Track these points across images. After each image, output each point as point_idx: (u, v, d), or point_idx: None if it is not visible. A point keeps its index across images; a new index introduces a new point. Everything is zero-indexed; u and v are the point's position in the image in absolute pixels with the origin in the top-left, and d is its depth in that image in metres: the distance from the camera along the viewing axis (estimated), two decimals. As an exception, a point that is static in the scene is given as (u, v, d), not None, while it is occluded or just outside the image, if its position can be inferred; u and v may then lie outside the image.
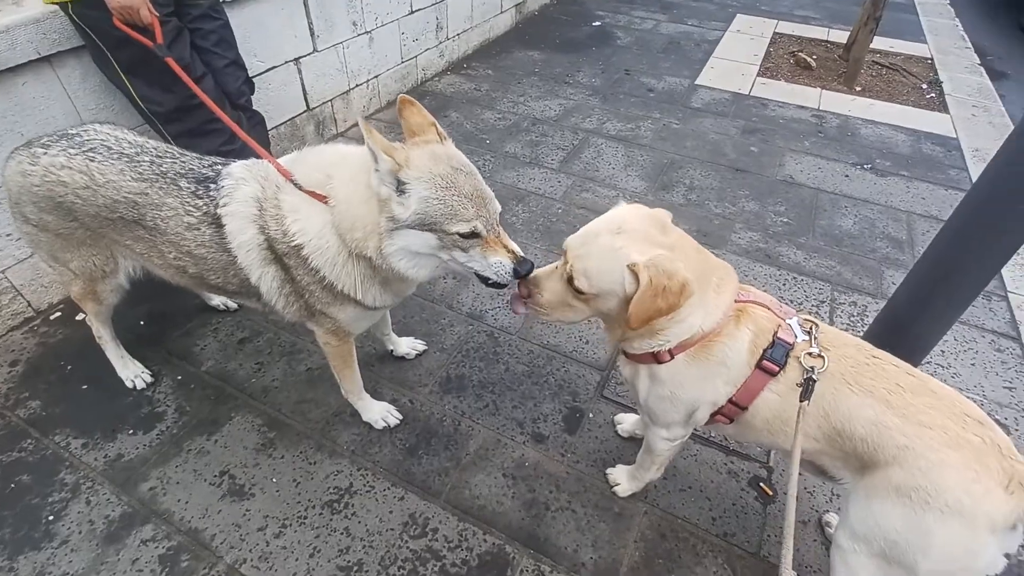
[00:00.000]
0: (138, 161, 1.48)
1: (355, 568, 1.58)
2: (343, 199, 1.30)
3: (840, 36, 5.20)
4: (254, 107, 2.52)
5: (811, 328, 1.25)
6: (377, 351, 2.21)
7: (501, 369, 2.17)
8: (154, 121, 2.21)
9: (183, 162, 1.52)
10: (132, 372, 2.04)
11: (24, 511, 1.68)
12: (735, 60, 4.87)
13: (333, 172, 1.34)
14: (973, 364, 2.25)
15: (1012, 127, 3.91)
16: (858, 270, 2.68)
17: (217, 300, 2.34)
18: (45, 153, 1.48)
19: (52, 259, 1.68)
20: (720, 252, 2.74)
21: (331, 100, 3.51)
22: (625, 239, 1.15)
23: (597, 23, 5.59)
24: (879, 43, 4.80)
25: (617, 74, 4.56)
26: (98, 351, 2.03)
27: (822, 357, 1.18)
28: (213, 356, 2.18)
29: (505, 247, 1.30)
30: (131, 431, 1.91)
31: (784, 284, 2.58)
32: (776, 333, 1.23)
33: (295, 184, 1.38)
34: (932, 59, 4.96)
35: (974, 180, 3.33)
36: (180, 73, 1.92)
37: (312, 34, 3.17)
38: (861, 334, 2.08)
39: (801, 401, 1.15)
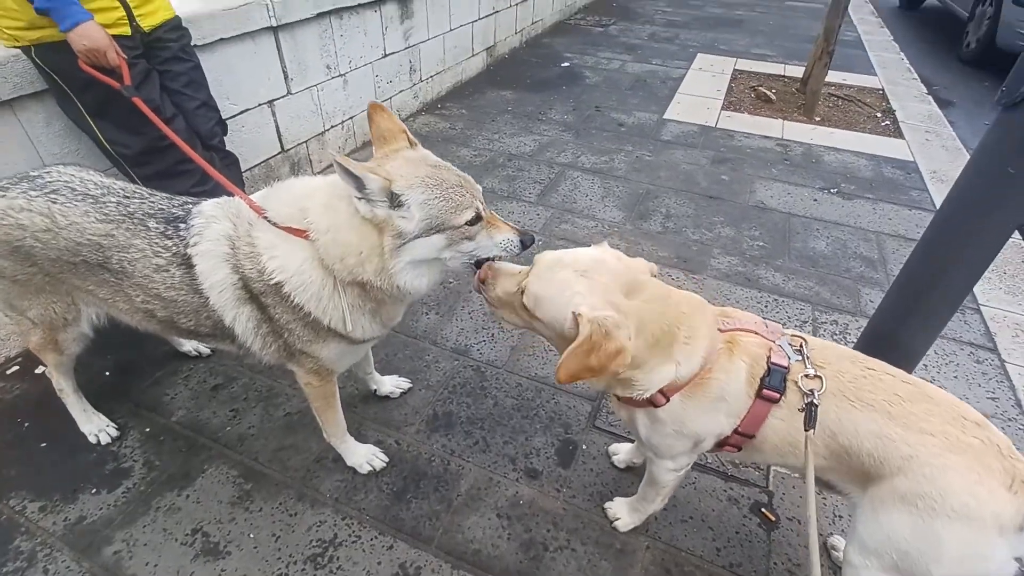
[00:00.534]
0: (104, 202, 1.42)
1: (342, 628, 1.46)
2: (325, 229, 1.26)
3: (796, 71, 5.48)
4: (227, 148, 2.49)
5: (801, 345, 1.24)
6: (360, 392, 2.13)
7: (490, 404, 2.10)
8: (122, 164, 2.16)
9: (152, 202, 1.46)
10: (96, 426, 1.91)
11: (-27, 590, 1.52)
12: (699, 95, 5.07)
13: (306, 205, 1.30)
14: (956, 376, 2.27)
15: (963, 150, 4.16)
16: (836, 290, 2.72)
17: (188, 346, 2.24)
18: (3, 196, 1.41)
19: (8, 308, 1.58)
20: (701, 277, 2.77)
21: (306, 141, 3.50)
22: (585, 286, 1.13)
23: (566, 64, 5.78)
24: (833, 77, 5.06)
25: (588, 111, 4.69)
26: (59, 405, 1.90)
27: (819, 378, 1.17)
28: (184, 405, 2.06)
29: (504, 224, 1.34)
30: (94, 490, 1.77)
31: (766, 306, 2.60)
32: (769, 358, 1.21)
33: (269, 221, 1.33)
34: (883, 90, 5.24)
35: (935, 200, 3.50)
36: (148, 113, 1.89)
37: (286, 77, 3.19)
38: (847, 351, 2.09)
39: (807, 430, 1.14)
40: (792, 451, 1.23)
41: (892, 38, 6.98)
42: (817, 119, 4.64)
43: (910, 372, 1.86)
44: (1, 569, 1.56)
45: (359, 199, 1.18)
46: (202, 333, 1.50)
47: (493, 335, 2.41)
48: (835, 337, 2.41)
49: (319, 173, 3.63)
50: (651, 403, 1.26)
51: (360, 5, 3.59)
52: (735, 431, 1.26)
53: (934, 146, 4.22)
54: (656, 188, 3.56)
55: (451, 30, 4.75)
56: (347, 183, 1.16)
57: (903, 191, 3.60)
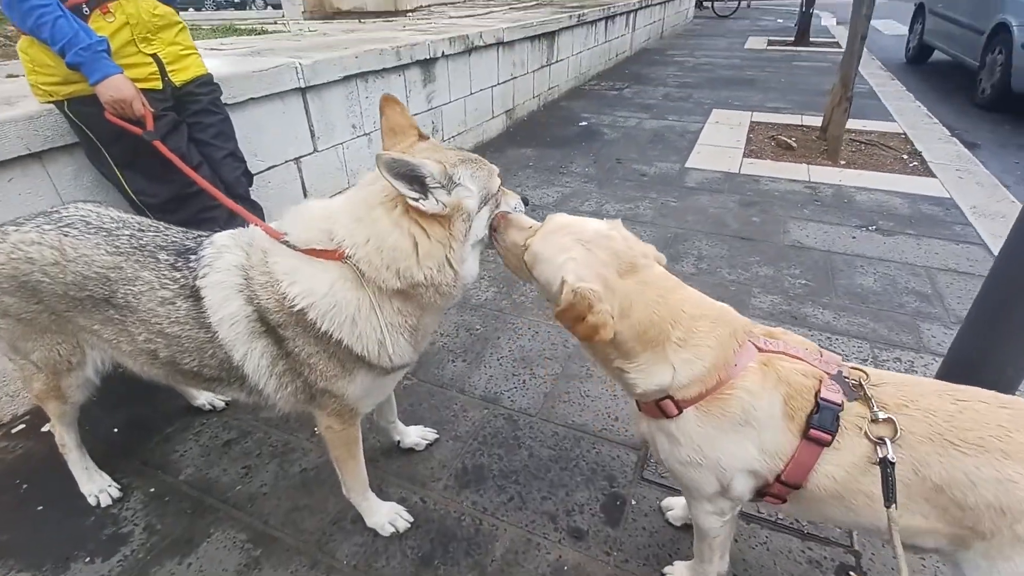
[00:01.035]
0: (116, 235, 1.36)
1: None
2: (364, 240, 1.17)
3: (813, 121, 5.49)
4: (252, 199, 2.48)
5: (859, 380, 1.06)
6: (381, 444, 1.95)
7: (524, 455, 1.90)
8: (147, 214, 2.14)
9: (166, 235, 1.40)
10: (97, 486, 1.76)
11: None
12: (719, 145, 5.07)
13: (329, 226, 1.21)
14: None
15: (999, 186, 4.01)
16: (892, 326, 2.51)
17: (202, 399, 2.11)
18: (16, 230, 1.36)
19: (12, 350, 1.49)
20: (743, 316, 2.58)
21: (332, 197, 3.52)
22: (581, 254, 1.08)
23: (583, 123, 5.90)
24: (852, 124, 5.03)
25: (609, 163, 4.70)
26: (61, 466, 1.76)
27: (891, 421, 0.99)
28: (193, 463, 1.91)
29: (508, 189, 1.36)
30: (88, 558, 1.59)
31: (820, 344, 2.39)
32: (819, 393, 1.04)
33: (289, 245, 1.24)
34: (905, 134, 5.19)
35: (981, 234, 3.32)
36: (169, 155, 1.89)
37: (312, 135, 3.25)
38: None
39: (887, 504, 0.96)
40: (868, 503, 1.03)
41: (905, 88, 7.04)
42: (842, 163, 4.57)
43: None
44: (-24, 653, 1.37)
45: (415, 199, 1.11)
46: (205, 376, 1.37)
47: (524, 382, 2.24)
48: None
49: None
50: (663, 412, 1.12)
51: (384, 70, 3.72)
52: (777, 479, 1.08)
53: (969, 183, 4.08)
54: (685, 231, 3.46)
55: (471, 94, 4.91)
56: (398, 184, 1.09)
57: (945, 226, 3.44)
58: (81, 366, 1.53)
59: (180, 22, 2.16)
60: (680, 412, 1.12)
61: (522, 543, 1.60)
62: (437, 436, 1.97)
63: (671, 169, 4.54)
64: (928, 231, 3.37)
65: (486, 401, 2.15)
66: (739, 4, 16.38)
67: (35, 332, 1.44)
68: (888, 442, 0.98)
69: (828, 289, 2.81)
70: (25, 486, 1.83)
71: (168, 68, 2.10)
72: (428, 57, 4.15)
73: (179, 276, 1.31)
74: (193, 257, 1.32)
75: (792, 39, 10.98)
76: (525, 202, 1.38)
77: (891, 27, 12.99)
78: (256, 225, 1.34)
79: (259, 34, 5.13)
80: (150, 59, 2.04)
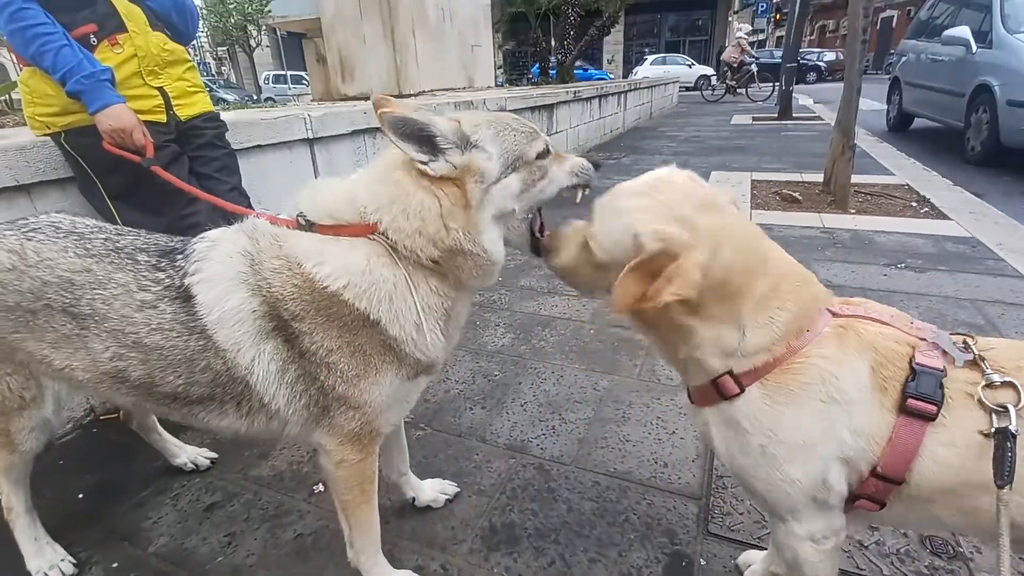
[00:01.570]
0: (89, 238, 1.19)
1: None
2: (389, 202, 1.04)
3: (814, 177, 5.53)
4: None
5: (965, 343, 0.88)
6: (392, 503, 1.65)
7: (562, 510, 1.60)
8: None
9: (147, 239, 1.22)
10: (47, 560, 1.44)
11: None
12: (725, 200, 5.06)
13: (351, 194, 1.08)
14: None
15: (1018, 225, 3.93)
16: (954, 357, 2.28)
17: (184, 457, 1.82)
18: None
19: None
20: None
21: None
22: (647, 203, 0.90)
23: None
24: (853, 179, 5.04)
25: (616, 218, 4.64)
26: (10, 541, 1.46)
27: (1013, 385, 0.80)
28: (168, 531, 1.60)
29: (567, 154, 1.20)
30: (23, 655, 1.26)
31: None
32: (913, 358, 0.85)
33: (306, 223, 1.07)
34: (908, 185, 5.21)
35: (1016, 267, 3.17)
36: (169, 177, 1.76)
37: (318, 187, 3.17)
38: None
39: (997, 483, 0.76)
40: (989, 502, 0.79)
41: (896, 149, 7.23)
42: (852, 211, 4.52)
43: None
44: None
45: (425, 162, 0.99)
46: (192, 397, 1.13)
47: (554, 428, 1.97)
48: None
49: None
50: (720, 393, 0.92)
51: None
52: (873, 473, 0.86)
53: (986, 223, 4.00)
54: (706, 276, 3.30)
55: (475, 157, 4.96)
56: (405, 146, 0.98)
57: (977, 262, 3.29)
58: (37, 403, 1.28)
59: (189, 60, 2.13)
60: (742, 391, 0.90)
61: (572, 616, 1.28)
62: (458, 490, 1.67)
63: (681, 221, 4.47)
64: (961, 267, 3.22)
65: (512, 450, 1.87)
66: (773, 90, 14.49)
67: None
68: (1012, 409, 0.77)
69: (871, 324, 2.60)
70: (-40, 565, 1.51)
71: (174, 102, 2.03)
72: (434, 119, 4.21)
73: (162, 276, 1.11)
74: (180, 256, 1.14)
75: (775, 116, 11.53)
76: (596, 166, 1.20)
77: (866, 104, 13.72)
78: (259, 217, 1.18)
79: (273, 107, 5.27)
80: (156, 92, 1.97)
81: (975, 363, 0.84)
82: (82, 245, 1.16)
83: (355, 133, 3.37)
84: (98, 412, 2.13)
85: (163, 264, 1.13)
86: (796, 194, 4.99)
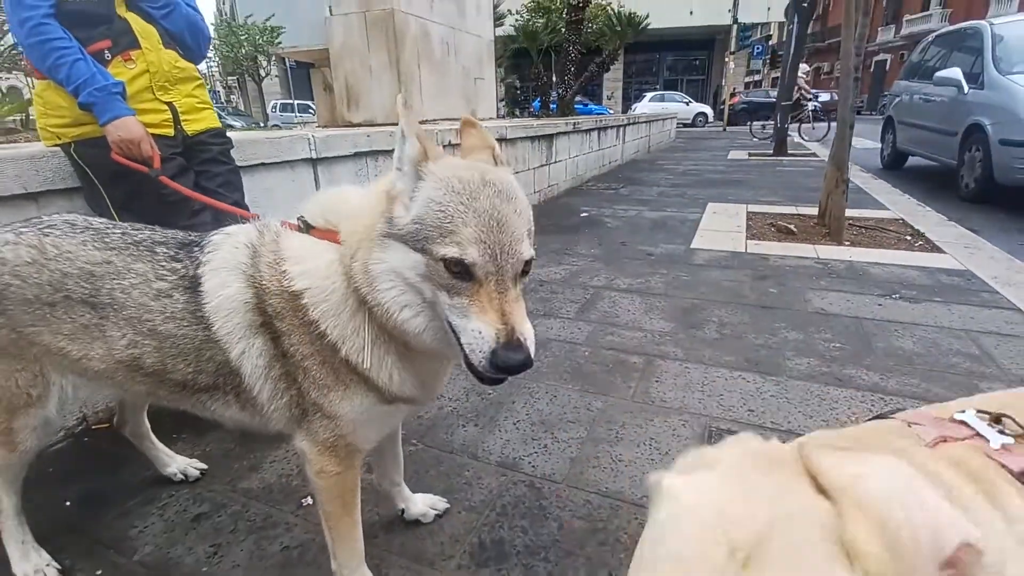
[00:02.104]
0: (107, 233, 1.22)
1: None
2: (347, 215, 1.04)
3: (809, 211, 5.61)
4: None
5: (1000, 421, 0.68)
6: (381, 517, 1.63)
7: (553, 527, 1.58)
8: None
9: (164, 234, 1.26)
10: (32, 565, 1.41)
11: None
12: (721, 230, 5.13)
13: (344, 206, 1.09)
14: None
15: (1014, 259, 3.97)
16: (948, 385, 2.28)
17: (174, 467, 1.81)
18: None
19: None
20: (780, 378, 2.36)
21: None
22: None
23: (584, 214, 6.03)
24: (847, 212, 5.12)
25: (614, 245, 4.70)
26: None
27: None
28: (154, 540, 1.57)
29: (501, 311, 0.89)
30: (-3, 663, 1.23)
31: (873, 405, 2.15)
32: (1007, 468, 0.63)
33: (304, 225, 1.10)
34: (903, 219, 5.29)
35: (1012, 300, 3.19)
36: (175, 186, 1.82)
37: (320, 207, 3.22)
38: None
39: None
40: None
41: (890, 185, 7.36)
42: (847, 243, 4.58)
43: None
44: None
45: (396, 169, 0.98)
46: (200, 385, 1.16)
47: (546, 446, 1.95)
48: (974, 435, 1.92)
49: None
50: None
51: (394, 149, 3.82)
52: None
53: (981, 257, 4.05)
54: (701, 302, 3.32)
55: (476, 183, 5.04)
56: (397, 147, 0.98)
57: (972, 294, 3.32)
58: (42, 401, 1.28)
59: (199, 78, 2.20)
60: None
61: (560, 634, 1.25)
62: (448, 506, 1.65)
63: (677, 250, 4.52)
64: (955, 298, 3.25)
65: (503, 467, 1.85)
66: (828, 131, 13.12)
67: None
68: None
69: (867, 352, 2.61)
70: (-62, 571, 1.48)
71: (182, 117, 2.09)
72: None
73: (179, 267, 1.15)
74: (197, 248, 1.18)
75: (771, 152, 11.76)
76: (499, 358, 0.87)
77: (860, 142, 14.02)
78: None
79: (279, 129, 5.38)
80: (165, 107, 2.04)
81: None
82: (100, 239, 1.20)
83: (358, 155, 3.45)
84: (90, 422, 2.11)
85: (180, 255, 1.17)
86: (791, 226, 5.06)
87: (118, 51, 1.91)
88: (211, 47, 2.51)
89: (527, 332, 0.90)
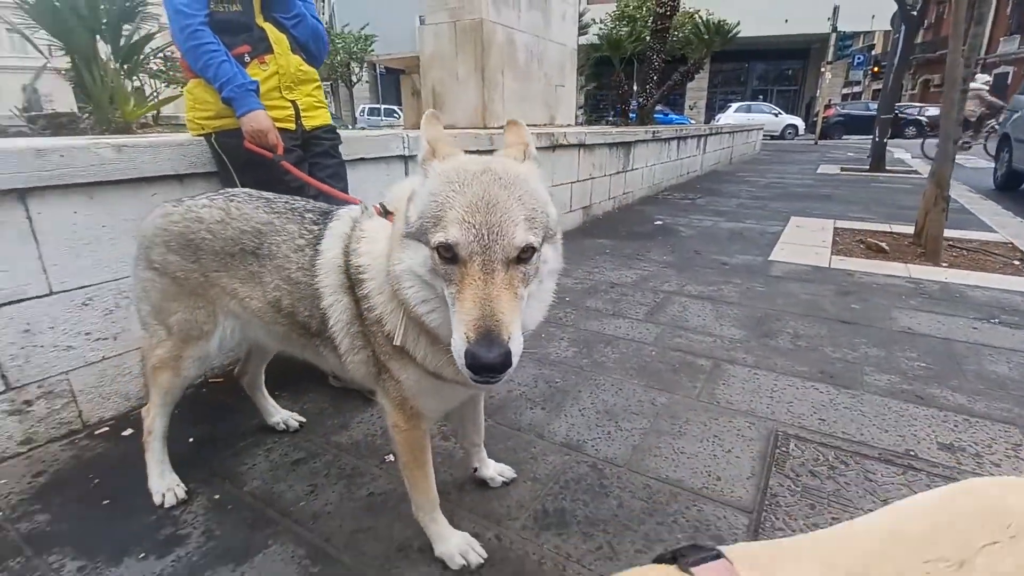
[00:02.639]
0: (273, 202, 1.51)
1: None
2: (395, 211, 1.17)
3: (904, 229, 5.29)
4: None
5: None
6: (454, 478, 1.79)
7: (612, 504, 1.67)
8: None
9: (315, 205, 1.53)
10: (166, 484, 1.69)
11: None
12: (804, 244, 4.95)
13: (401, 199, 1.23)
14: None
15: None
16: (1046, 414, 2.14)
17: (278, 417, 2.06)
18: (190, 199, 1.55)
19: (154, 312, 1.57)
20: (856, 392, 2.31)
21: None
22: None
23: (659, 222, 6.01)
24: (948, 233, 4.79)
25: (687, 253, 4.67)
26: (133, 468, 1.74)
27: None
28: (260, 476, 1.82)
29: (482, 297, 0.87)
30: (142, 555, 1.48)
31: (956, 426, 2.06)
32: None
33: (383, 210, 1.27)
34: (1012, 243, 4.87)
35: None
36: (294, 171, 2.06)
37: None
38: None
39: None
40: None
41: (1000, 207, 6.76)
42: (944, 264, 4.29)
43: None
44: (12, 637, 1.25)
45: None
46: (311, 330, 1.39)
47: (609, 433, 2.04)
48: (1072, 466, 1.80)
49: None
50: None
51: (479, 152, 4.03)
52: None
53: (1103, 288, 3.68)
54: (776, 312, 3.26)
55: (553, 185, 5.18)
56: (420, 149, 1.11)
57: (1087, 324, 3.04)
58: (209, 336, 1.57)
59: (318, 80, 2.48)
60: None
61: (615, 595, 1.34)
62: (515, 476, 1.79)
63: (754, 261, 4.43)
64: (1065, 327, 3.00)
65: (567, 447, 1.96)
66: (986, 139, 11.89)
67: (183, 293, 1.52)
68: None
69: (954, 373, 2.49)
70: (96, 481, 1.79)
71: (302, 114, 2.37)
72: (517, 147, 4.48)
73: (315, 228, 1.40)
74: (331, 216, 1.41)
75: (867, 167, 11.06)
76: (471, 354, 0.85)
77: (973, 162, 12.85)
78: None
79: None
80: (289, 104, 2.32)
81: None
82: (268, 206, 1.48)
83: (445, 154, 3.67)
84: (207, 376, 2.44)
85: (319, 220, 1.41)
86: (883, 244, 4.80)
87: (255, 55, 2.21)
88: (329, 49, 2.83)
89: (506, 322, 0.85)
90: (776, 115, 24.95)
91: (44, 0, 4.06)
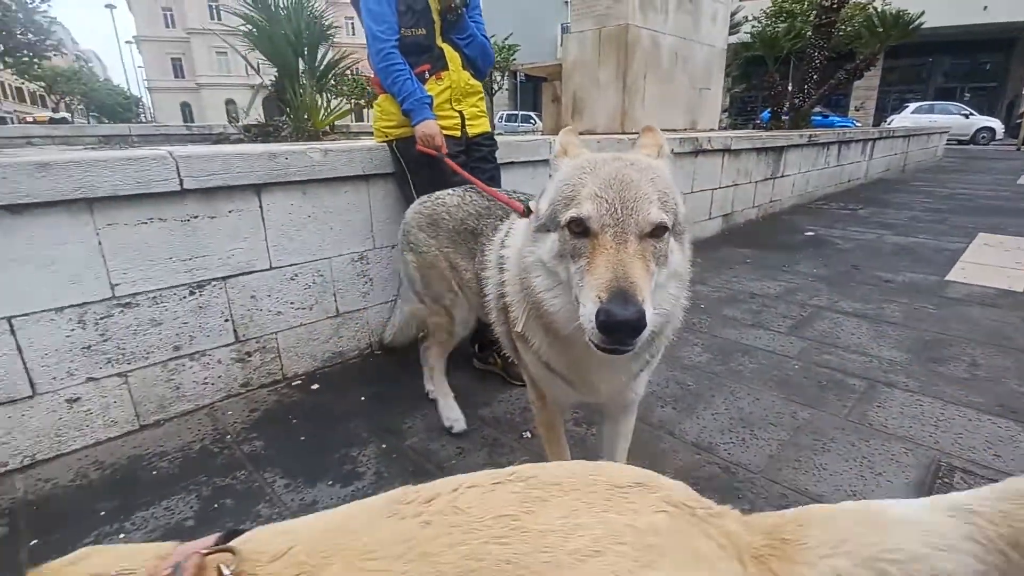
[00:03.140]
0: (486, 197, 1.81)
1: None
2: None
3: None
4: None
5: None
6: (586, 461, 1.91)
7: (744, 506, 1.68)
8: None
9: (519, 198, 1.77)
10: (455, 415, 2.12)
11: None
12: (992, 265, 4.30)
13: None
14: None
15: None
16: None
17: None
18: (439, 194, 1.94)
19: (426, 288, 1.96)
20: (1050, 433, 2.02)
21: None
22: None
23: (809, 233, 5.58)
24: None
25: (843, 268, 4.30)
26: (323, 414, 2.12)
27: None
28: (418, 435, 2.11)
29: (614, 262, 0.86)
30: (330, 482, 1.82)
31: None
32: None
33: (527, 209, 1.43)
34: None
35: None
36: (456, 168, 2.32)
37: (550, 202, 3.68)
38: None
39: None
40: None
41: None
42: None
43: None
44: (240, 525, 1.63)
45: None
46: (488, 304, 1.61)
47: (744, 439, 2.03)
48: None
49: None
50: None
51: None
52: None
53: None
54: (949, 338, 2.92)
55: (692, 192, 5.07)
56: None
57: None
58: (460, 306, 1.91)
59: (481, 92, 2.76)
60: None
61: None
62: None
63: (926, 280, 3.95)
64: None
65: (698, 447, 1.99)
66: None
67: (434, 273, 1.90)
68: None
69: None
70: (295, 421, 2.21)
71: (467, 123, 2.66)
72: (658, 152, 4.48)
73: (502, 214, 1.65)
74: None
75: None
76: (605, 317, 0.84)
77: None
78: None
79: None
80: (456, 114, 2.62)
81: None
82: (485, 198, 1.80)
83: (588, 159, 3.82)
84: (374, 347, 2.84)
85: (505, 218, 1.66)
86: (1104, 269, 4.00)
87: (434, 72, 2.54)
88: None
89: (640, 285, 0.84)
90: (967, 116, 21.42)
91: (263, 29, 4.94)
